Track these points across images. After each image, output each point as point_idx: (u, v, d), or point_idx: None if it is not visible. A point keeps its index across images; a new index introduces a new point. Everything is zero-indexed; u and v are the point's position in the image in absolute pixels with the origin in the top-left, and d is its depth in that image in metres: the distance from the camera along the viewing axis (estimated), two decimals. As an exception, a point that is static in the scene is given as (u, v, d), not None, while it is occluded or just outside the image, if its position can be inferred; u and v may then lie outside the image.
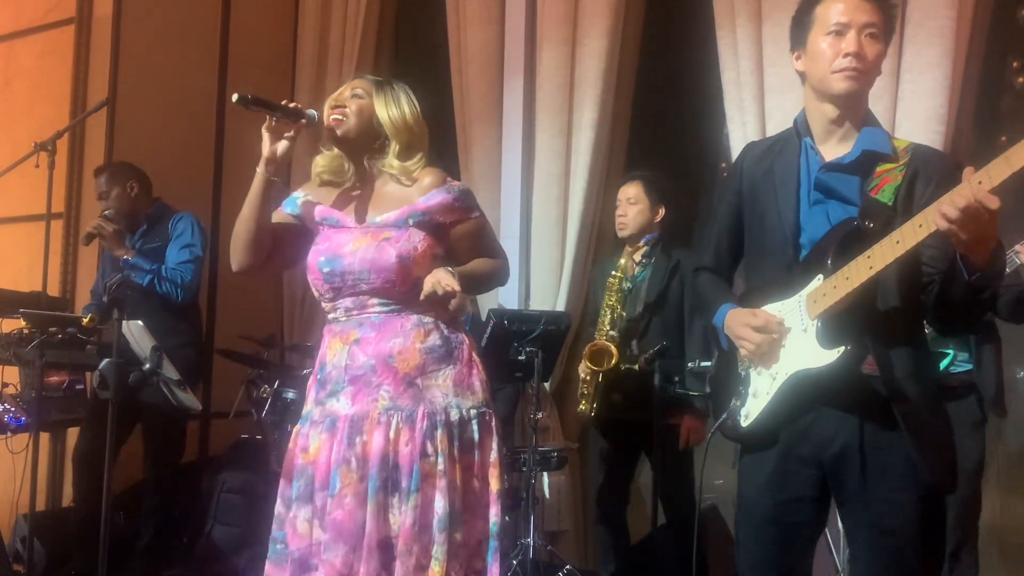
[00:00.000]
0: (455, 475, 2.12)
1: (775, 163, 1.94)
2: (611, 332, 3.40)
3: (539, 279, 4.35)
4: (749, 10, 3.71)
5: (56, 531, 3.75)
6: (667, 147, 4.39)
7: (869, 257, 1.67)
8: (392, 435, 2.11)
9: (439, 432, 2.12)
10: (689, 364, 3.05)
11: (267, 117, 2.17)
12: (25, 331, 3.32)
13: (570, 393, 4.39)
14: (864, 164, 1.83)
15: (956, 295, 1.67)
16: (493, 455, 2.20)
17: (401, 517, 2.08)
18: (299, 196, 2.34)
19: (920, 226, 1.60)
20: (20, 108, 4.65)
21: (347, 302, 2.20)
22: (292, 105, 2.20)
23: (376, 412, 2.13)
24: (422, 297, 2.10)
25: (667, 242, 3.53)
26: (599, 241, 4.35)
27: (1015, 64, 3.92)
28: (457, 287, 2.06)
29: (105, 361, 2.46)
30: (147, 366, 2.72)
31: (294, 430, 2.25)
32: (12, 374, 3.71)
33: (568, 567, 3.70)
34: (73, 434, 4.00)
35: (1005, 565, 3.63)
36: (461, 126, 4.61)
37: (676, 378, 3.15)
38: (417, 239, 2.17)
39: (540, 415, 3.59)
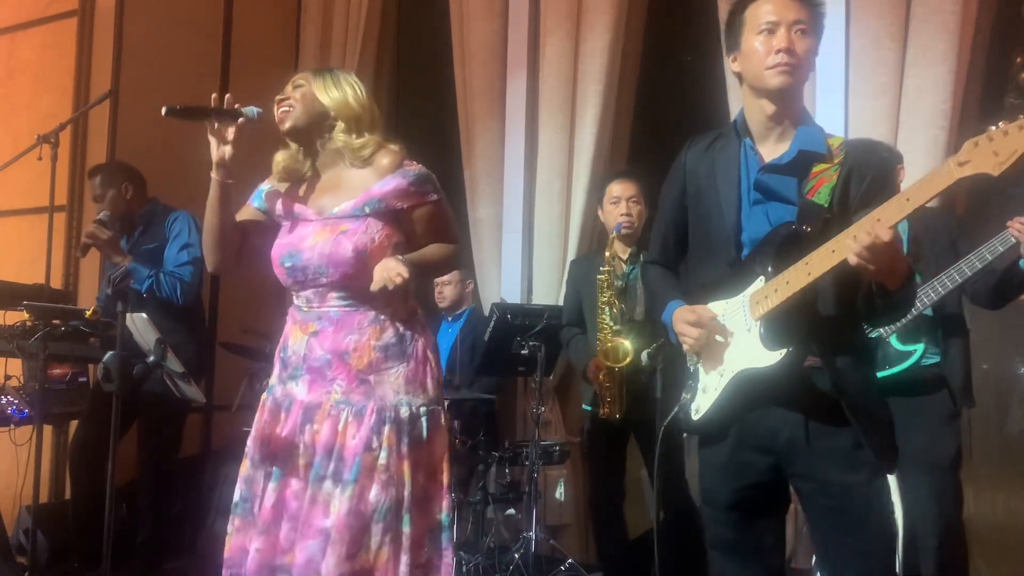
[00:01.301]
0: (402, 470, 2.17)
1: (716, 161, 2.00)
2: (615, 328, 3.37)
3: (542, 274, 4.36)
4: (753, 5, 3.70)
5: (59, 523, 3.76)
6: (669, 142, 4.37)
7: (807, 264, 1.75)
8: (340, 427, 2.17)
9: (387, 427, 2.17)
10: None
11: (208, 123, 2.20)
12: (28, 323, 3.31)
13: (573, 387, 4.40)
14: (800, 164, 1.89)
15: (876, 309, 1.78)
16: (441, 449, 2.26)
17: (337, 505, 2.13)
18: (264, 188, 2.39)
19: (834, 252, 1.68)
20: (23, 100, 4.65)
21: (308, 293, 2.25)
22: (227, 107, 2.23)
23: (328, 404, 2.20)
24: (373, 288, 2.13)
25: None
26: (601, 236, 4.34)
27: (1019, 60, 3.91)
28: (407, 275, 2.09)
29: (109, 353, 2.46)
30: (151, 359, 2.72)
31: (262, 397, 2.33)
32: (15, 366, 3.71)
33: (570, 561, 3.71)
34: (76, 426, 4.00)
35: (999, 560, 3.64)
36: (464, 121, 4.61)
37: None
38: (375, 230, 2.20)
39: (542, 409, 3.59)
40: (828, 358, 1.83)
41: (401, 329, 2.24)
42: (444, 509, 2.23)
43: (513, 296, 4.33)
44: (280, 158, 2.35)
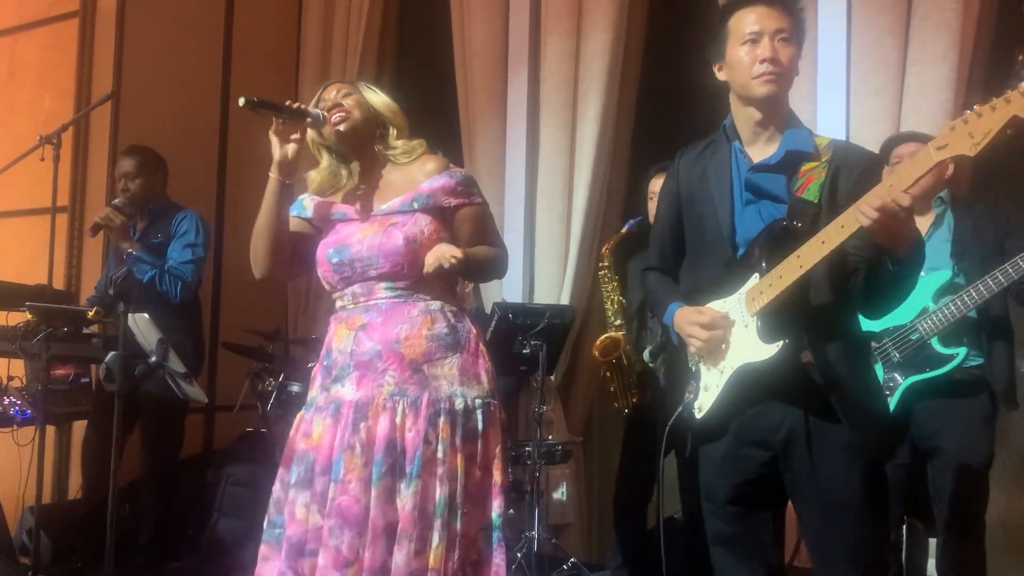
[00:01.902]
0: (456, 464, 2.13)
1: (708, 166, 2.07)
2: (617, 322, 3.40)
3: (543, 273, 4.35)
4: (754, 3, 3.70)
5: (62, 524, 3.76)
6: (671, 141, 4.37)
7: (799, 257, 1.81)
8: (399, 420, 2.13)
9: (442, 420, 2.14)
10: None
11: (273, 120, 2.21)
12: (30, 324, 3.32)
13: (575, 386, 4.40)
14: (789, 164, 1.95)
15: (883, 282, 1.81)
16: (496, 446, 2.21)
17: (402, 502, 2.10)
18: (305, 197, 2.38)
19: (843, 227, 1.74)
20: (25, 101, 4.66)
21: (355, 288, 2.23)
22: (296, 105, 2.22)
23: (381, 397, 2.15)
24: (426, 271, 2.12)
25: None
26: (603, 235, 4.34)
27: (1020, 57, 3.89)
28: (460, 256, 2.09)
29: (111, 354, 2.47)
30: (153, 359, 2.72)
31: (298, 416, 2.26)
32: (18, 367, 3.72)
33: (572, 560, 3.71)
34: (79, 427, 4.01)
35: (1013, 560, 3.64)
36: (465, 120, 4.61)
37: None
38: (424, 223, 2.21)
39: (544, 408, 3.59)
40: (819, 350, 1.87)
41: (453, 320, 2.23)
42: (497, 508, 2.19)
43: (515, 295, 4.33)
44: (315, 175, 2.36)
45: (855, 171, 1.92)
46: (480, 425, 2.19)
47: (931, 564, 2.98)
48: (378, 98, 2.30)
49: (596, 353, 3.42)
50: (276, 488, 2.20)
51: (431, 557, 2.08)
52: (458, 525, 2.12)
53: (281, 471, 2.21)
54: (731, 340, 1.93)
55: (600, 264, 3.51)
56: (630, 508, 3.55)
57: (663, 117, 4.46)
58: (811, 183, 1.91)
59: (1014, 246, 2.81)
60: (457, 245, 2.22)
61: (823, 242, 1.76)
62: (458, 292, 4.05)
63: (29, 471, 3.46)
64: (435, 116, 4.71)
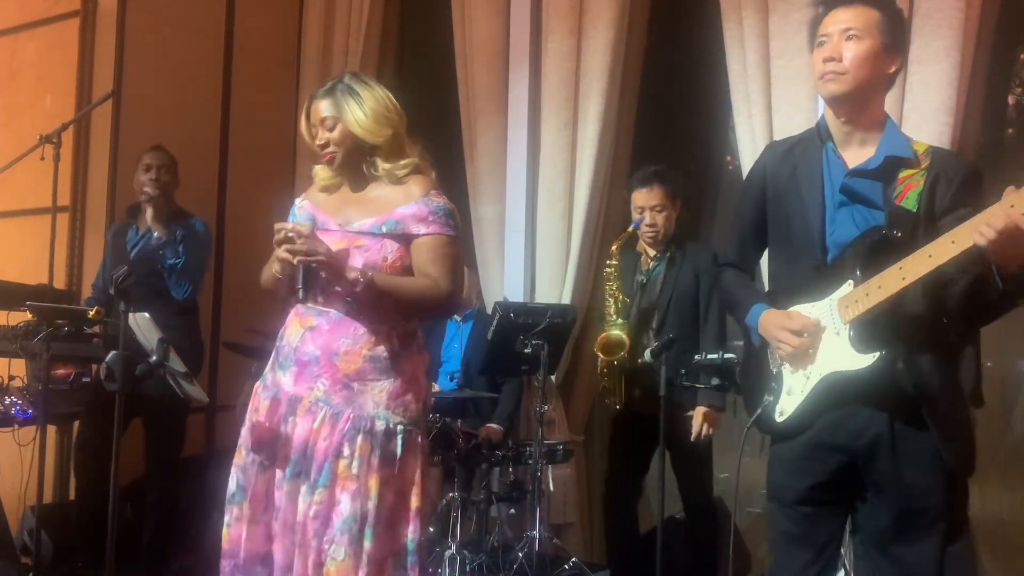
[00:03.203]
0: (369, 483, 2.17)
1: (799, 165, 2.02)
2: (618, 321, 3.40)
3: (544, 272, 4.35)
4: (755, 2, 3.69)
5: (63, 523, 3.76)
6: (673, 140, 4.38)
7: (901, 268, 1.77)
8: (315, 426, 2.20)
9: (360, 438, 2.18)
10: (696, 357, 3.04)
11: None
12: (31, 324, 3.32)
13: (576, 386, 4.40)
14: (887, 170, 1.92)
15: (988, 298, 1.79)
16: (416, 473, 2.25)
17: (305, 507, 2.17)
18: (296, 204, 2.45)
19: (953, 242, 1.69)
20: (25, 101, 4.65)
21: (316, 292, 2.27)
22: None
23: (308, 399, 2.23)
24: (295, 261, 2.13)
25: (679, 236, 3.52)
26: (604, 233, 4.34)
27: (1022, 56, 3.90)
28: (321, 258, 2.10)
29: (112, 353, 2.46)
30: (154, 358, 2.72)
31: (255, 386, 2.37)
32: (19, 367, 3.71)
33: (574, 559, 3.71)
34: (78, 427, 4.01)
35: (1005, 558, 3.63)
36: (466, 119, 4.60)
37: (683, 371, 3.14)
38: (389, 250, 2.24)
39: (546, 408, 3.58)
40: (912, 360, 1.86)
41: (396, 345, 2.25)
42: (411, 534, 2.22)
43: (516, 295, 4.32)
44: (321, 172, 2.40)
45: (955, 181, 1.89)
46: (399, 450, 2.22)
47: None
48: (359, 117, 2.24)
49: (598, 351, 3.41)
50: (240, 454, 2.35)
51: (332, 569, 2.14)
52: (367, 544, 2.15)
53: (244, 436, 2.34)
54: (820, 347, 1.91)
55: (608, 262, 3.50)
56: (621, 507, 3.55)
57: (664, 115, 4.47)
58: (910, 191, 1.89)
59: None
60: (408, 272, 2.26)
61: (930, 255, 1.73)
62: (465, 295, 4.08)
63: (30, 471, 3.45)
64: (436, 115, 4.71)
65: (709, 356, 2.95)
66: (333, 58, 5.12)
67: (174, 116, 4.50)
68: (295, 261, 2.12)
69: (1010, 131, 3.89)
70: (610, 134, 4.23)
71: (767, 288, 2.13)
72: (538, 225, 4.38)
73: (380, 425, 2.20)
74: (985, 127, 3.61)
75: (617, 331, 3.38)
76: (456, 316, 4.23)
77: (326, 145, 2.28)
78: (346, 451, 2.17)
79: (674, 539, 3.41)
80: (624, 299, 3.45)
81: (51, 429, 3.94)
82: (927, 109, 3.33)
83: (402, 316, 2.27)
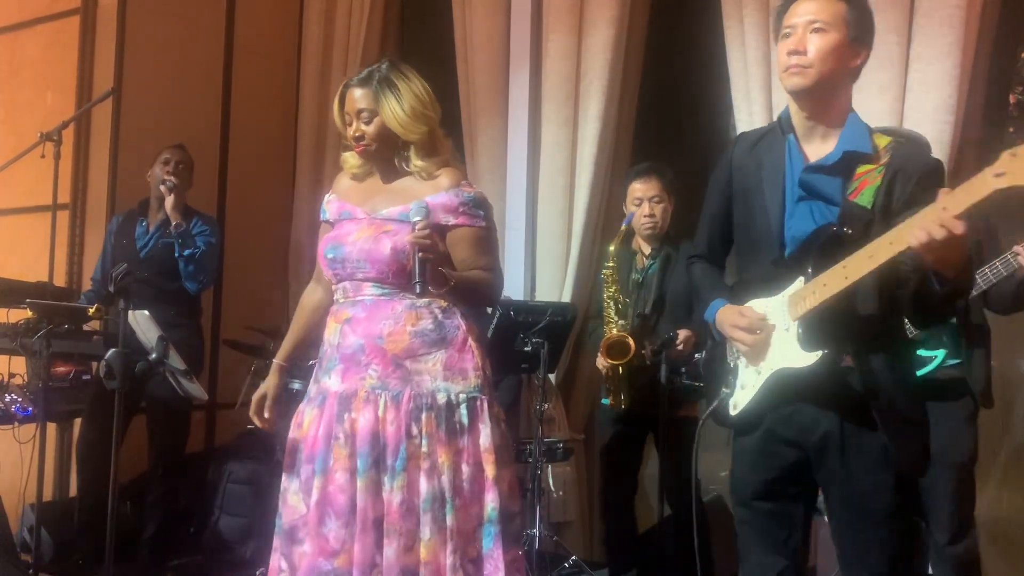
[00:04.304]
0: (440, 458, 2.14)
1: (763, 158, 2.00)
2: (620, 322, 3.38)
3: (545, 270, 4.35)
4: (756, 0, 3.69)
5: (63, 521, 3.76)
6: (673, 138, 4.38)
7: (845, 267, 1.76)
8: (380, 414, 2.15)
9: (424, 415, 2.15)
10: (696, 355, 3.04)
11: None
12: (31, 321, 3.32)
13: (576, 384, 4.40)
14: (845, 165, 1.89)
15: (931, 300, 1.77)
16: (486, 440, 2.20)
17: (388, 496, 2.12)
18: (325, 199, 2.42)
19: (891, 243, 1.68)
20: (26, 98, 4.65)
21: (346, 284, 2.26)
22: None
23: (363, 390, 2.18)
24: (412, 281, 2.11)
25: (674, 234, 3.52)
26: (605, 232, 4.33)
27: (1023, 55, 3.89)
28: (428, 241, 2.09)
29: (111, 351, 2.46)
30: (153, 356, 2.72)
31: (298, 408, 2.33)
32: (19, 364, 3.72)
33: (574, 558, 3.71)
34: (80, 424, 4.01)
35: (1007, 558, 3.63)
36: (466, 117, 4.60)
37: (683, 369, 3.14)
38: None
39: (546, 406, 3.58)
40: (862, 359, 1.84)
41: (440, 316, 2.22)
42: (491, 501, 2.17)
43: (516, 293, 4.32)
44: (350, 158, 2.37)
45: (912, 178, 1.86)
46: (465, 419, 2.19)
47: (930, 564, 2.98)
48: (397, 113, 2.22)
49: (604, 355, 3.37)
50: (283, 479, 2.27)
51: (422, 551, 2.10)
52: (448, 519, 2.12)
53: (287, 462, 2.26)
54: (771, 342, 1.91)
55: (605, 264, 3.47)
56: (619, 506, 3.54)
57: (665, 114, 4.46)
58: (866, 187, 1.86)
59: (992, 245, 2.82)
60: (448, 264, 2.23)
61: (870, 256, 1.71)
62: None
63: (30, 468, 3.46)
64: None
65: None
66: (333, 56, 5.12)
67: (174, 114, 4.50)
68: (418, 254, 2.09)
69: (1011, 130, 3.89)
70: (610, 132, 4.23)
71: (732, 282, 2.12)
72: (538, 223, 4.38)
73: (441, 398, 2.16)
74: (986, 126, 3.60)
75: (620, 334, 3.35)
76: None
77: (361, 137, 2.25)
78: (414, 430, 2.14)
79: (673, 538, 3.41)
80: (624, 300, 3.43)
81: (51, 427, 3.95)
82: (928, 107, 3.33)
83: (437, 291, 2.23)
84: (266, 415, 2.32)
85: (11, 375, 3.72)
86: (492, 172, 4.49)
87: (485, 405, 2.23)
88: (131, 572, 3.50)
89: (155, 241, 3.73)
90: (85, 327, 3.56)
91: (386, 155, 2.28)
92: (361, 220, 2.27)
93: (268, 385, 2.36)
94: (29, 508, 3.87)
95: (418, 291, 2.11)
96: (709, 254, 2.16)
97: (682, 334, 3.15)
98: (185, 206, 3.80)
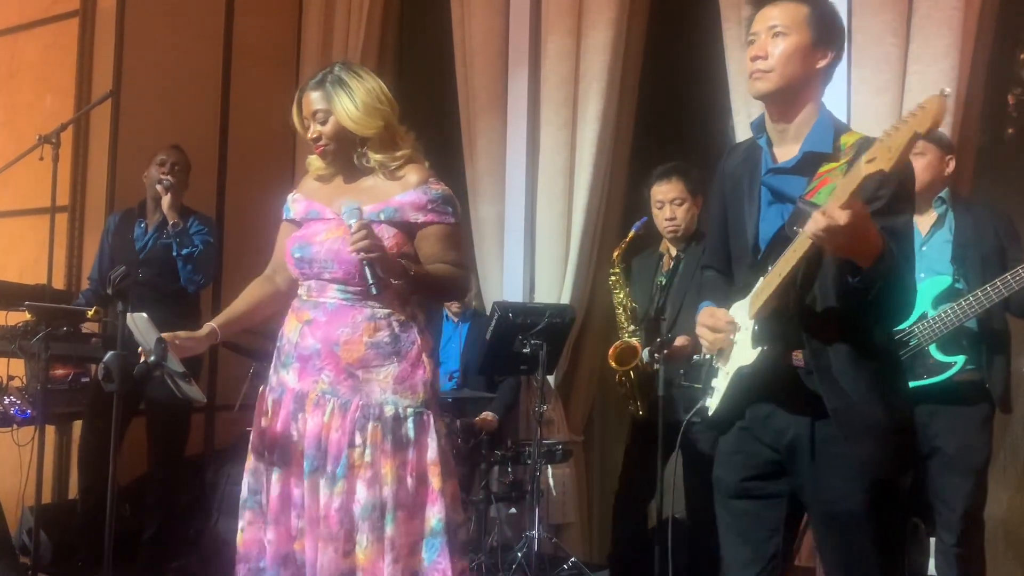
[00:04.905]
0: (384, 469, 2.17)
1: (745, 166, 2.04)
2: (631, 328, 3.35)
3: (544, 272, 4.35)
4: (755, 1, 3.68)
5: (62, 523, 3.76)
6: (672, 140, 4.37)
7: (774, 266, 1.80)
8: (326, 419, 2.20)
9: (371, 425, 2.18)
10: (695, 357, 3.02)
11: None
12: (30, 324, 3.32)
13: (575, 386, 4.40)
14: (807, 165, 1.90)
15: (854, 297, 1.76)
16: (432, 454, 2.23)
17: (326, 501, 2.17)
18: (289, 198, 2.44)
19: (808, 238, 1.69)
20: (25, 101, 4.65)
21: (311, 283, 2.29)
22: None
23: (315, 394, 2.23)
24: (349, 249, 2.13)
25: (701, 234, 3.37)
26: (604, 234, 4.34)
27: (1022, 55, 3.90)
28: (377, 254, 2.09)
29: (110, 353, 2.46)
30: (152, 358, 2.71)
31: (261, 389, 2.37)
32: (17, 367, 3.71)
33: (573, 559, 3.71)
34: (79, 427, 4.00)
35: (1012, 558, 3.63)
36: (465, 119, 4.60)
37: (682, 371, 3.13)
38: (386, 236, 2.22)
39: (545, 408, 3.58)
40: (819, 357, 1.82)
41: (396, 329, 2.25)
42: (438, 513, 2.20)
43: (515, 295, 4.32)
44: (315, 161, 2.39)
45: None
46: (411, 433, 2.21)
47: (931, 564, 2.97)
48: (349, 110, 2.24)
49: (612, 363, 3.34)
50: (251, 459, 2.32)
51: (360, 556, 2.15)
52: (388, 529, 2.15)
53: (254, 441, 2.32)
54: (735, 342, 1.93)
55: (611, 271, 3.44)
56: (631, 510, 3.52)
57: (663, 115, 4.46)
58: (825, 186, 1.85)
59: (1015, 254, 2.80)
60: (419, 261, 2.26)
61: (794, 251, 1.74)
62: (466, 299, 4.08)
63: (29, 471, 3.45)
64: (436, 115, 4.71)
65: (697, 357, 2.92)
66: (332, 58, 5.11)
67: (173, 116, 4.50)
68: (359, 258, 2.11)
69: (1010, 130, 3.89)
70: (609, 134, 4.23)
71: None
72: (537, 225, 4.38)
73: (389, 411, 2.19)
74: (984, 127, 3.60)
75: (626, 341, 3.32)
76: (453, 316, 4.23)
77: (318, 138, 2.28)
78: (358, 440, 2.17)
79: (675, 540, 3.40)
80: (633, 304, 3.39)
81: (50, 429, 3.94)
82: (926, 109, 3.32)
83: (400, 301, 2.26)
84: (177, 342, 2.31)
85: (10, 378, 3.71)
86: (491, 174, 4.49)
87: (431, 419, 2.26)
88: (130, 574, 3.50)
89: (153, 242, 3.74)
90: (84, 329, 3.56)
91: (346, 154, 2.29)
92: (330, 220, 2.29)
93: (196, 334, 2.38)
94: (28, 510, 3.87)
95: (375, 292, 2.12)
96: (718, 263, 2.17)
97: (679, 339, 3.13)
98: (182, 206, 3.81)
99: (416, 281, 2.22)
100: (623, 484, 3.56)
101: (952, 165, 2.94)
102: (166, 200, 3.67)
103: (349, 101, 2.25)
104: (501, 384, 4.03)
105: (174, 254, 3.63)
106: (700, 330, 1.98)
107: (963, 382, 2.84)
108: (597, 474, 4.59)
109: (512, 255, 4.43)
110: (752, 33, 1.95)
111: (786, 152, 1.96)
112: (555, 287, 4.28)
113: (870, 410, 1.83)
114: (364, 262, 2.10)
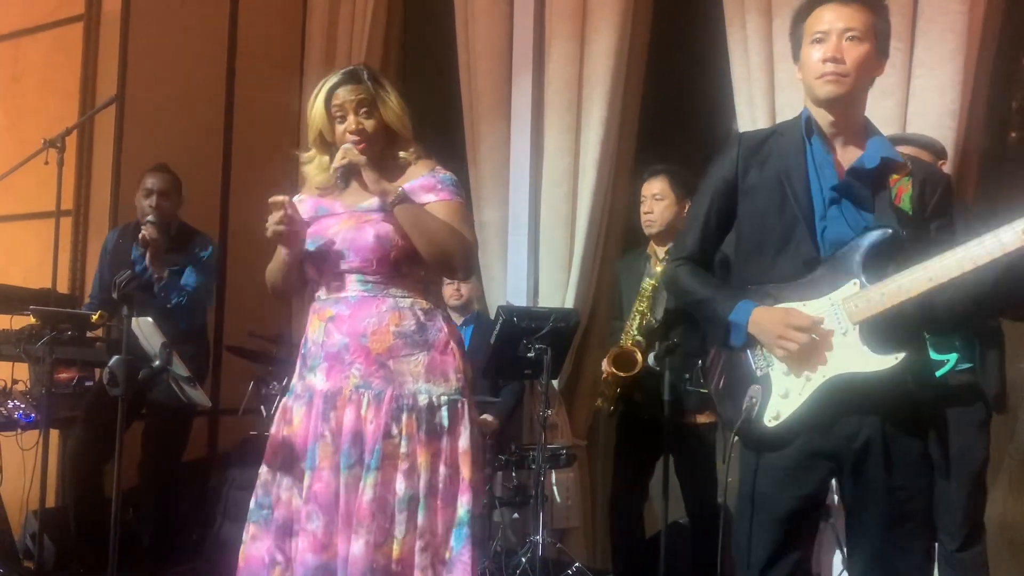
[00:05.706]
0: (419, 459, 2.16)
1: (776, 159, 1.99)
2: (638, 337, 3.36)
3: (548, 276, 4.34)
4: (759, 5, 3.69)
5: (65, 528, 3.75)
6: (676, 144, 4.37)
7: (926, 269, 1.76)
8: (363, 412, 2.18)
9: (405, 415, 2.17)
10: (700, 361, 3.02)
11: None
12: (35, 328, 3.32)
13: (579, 390, 4.39)
14: (882, 171, 1.91)
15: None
16: (464, 443, 2.22)
17: (363, 493, 2.14)
18: (296, 200, 2.38)
19: (1002, 243, 1.69)
20: (29, 105, 4.66)
21: (329, 279, 2.28)
22: None
23: (348, 389, 2.20)
24: (334, 166, 2.21)
25: None
26: (608, 238, 4.33)
27: (1025, 60, 3.89)
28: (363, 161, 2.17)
29: (115, 358, 2.46)
30: (157, 363, 2.72)
31: (281, 402, 2.34)
32: (22, 371, 3.72)
33: (577, 564, 3.70)
34: (75, 431, 4.00)
35: (1015, 562, 3.62)
36: (469, 123, 4.60)
37: (687, 375, 3.13)
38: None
39: (549, 412, 3.57)
40: (918, 363, 1.86)
41: (422, 318, 2.24)
42: (465, 503, 2.19)
43: (519, 299, 4.31)
44: (314, 172, 2.36)
45: (938, 189, 1.93)
46: (445, 422, 2.21)
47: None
48: (394, 108, 2.28)
49: (612, 368, 3.33)
50: (263, 471, 2.28)
51: (395, 548, 2.13)
52: (420, 518, 2.14)
53: (268, 454, 2.28)
54: (826, 347, 1.87)
55: (649, 281, 3.42)
56: (626, 512, 3.53)
57: (667, 120, 4.46)
58: (903, 194, 1.89)
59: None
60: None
61: (960, 258, 1.73)
62: (464, 295, 4.07)
63: (33, 475, 3.45)
64: (439, 119, 4.71)
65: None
66: (336, 63, 5.12)
67: (178, 120, 4.51)
68: (340, 164, 2.19)
69: (1013, 135, 3.89)
70: (613, 138, 4.23)
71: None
72: (541, 229, 4.38)
73: (423, 399, 2.19)
74: (989, 131, 3.60)
75: (630, 348, 3.33)
76: (454, 316, 4.23)
77: (362, 131, 2.24)
78: (394, 430, 2.16)
79: (678, 544, 3.40)
80: (651, 319, 3.39)
81: (54, 433, 3.93)
82: (931, 113, 3.33)
83: (422, 289, 2.26)
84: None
85: (14, 381, 3.71)
86: (495, 178, 4.49)
87: (466, 408, 2.26)
88: (134, 578, 3.50)
89: (151, 274, 3.69)
90: (88, 334, 3.56)
91: (376, 151, 2.29)
92: (341, 214, 2.29)
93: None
94: (32, 515, 3.86)
95: (342, 187, 2.18)
96: (699, 255, 2.09)
97: None
98: (180, 226, 3.78)
99: (406, 212, 2.18)
100: (616, 487, 3.57)
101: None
102: (148, 256, 3.54)
103: (395, 101, 2.29)
104: (503, 389, 4.03)
105: (164, 305, 3.57)
106: (788, 332, 1.87)
107: (957, 382, 2.83)
108: (601, 479, 4.57)
109: (516, 259, 4.43)
110: (820, 31, 1.90)
111: (847, 156, 1.95)
112: (559, 291, 4.28)
113: (939, 410, 1.91)
114: (344, 168, 2.16)
